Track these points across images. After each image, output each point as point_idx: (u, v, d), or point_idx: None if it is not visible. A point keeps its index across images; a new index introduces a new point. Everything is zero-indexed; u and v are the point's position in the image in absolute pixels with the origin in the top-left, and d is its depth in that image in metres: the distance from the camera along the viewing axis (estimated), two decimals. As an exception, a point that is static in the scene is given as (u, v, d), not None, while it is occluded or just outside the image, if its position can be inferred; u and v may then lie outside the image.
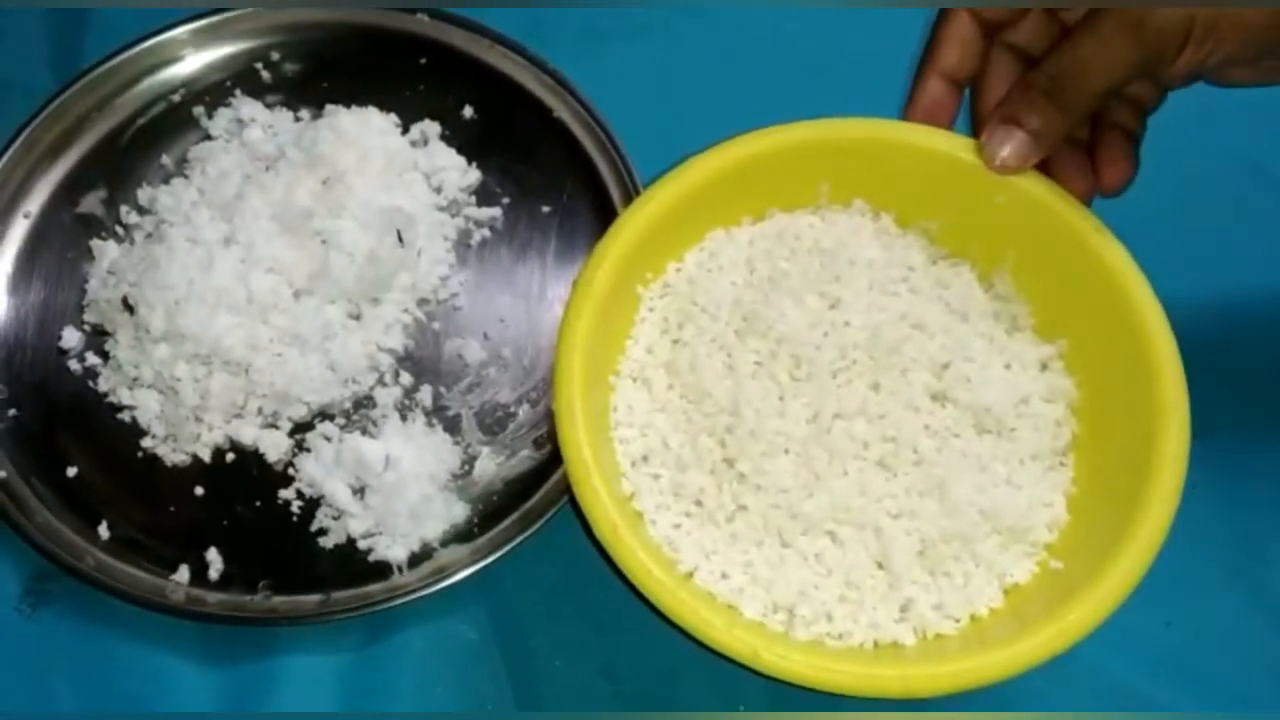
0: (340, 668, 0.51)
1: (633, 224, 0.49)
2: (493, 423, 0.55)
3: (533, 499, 0.53)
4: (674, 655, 0.51)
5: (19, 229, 0.58)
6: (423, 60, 0.62)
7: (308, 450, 0.53)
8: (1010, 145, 0.47)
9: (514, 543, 0.51)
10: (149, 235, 0.57)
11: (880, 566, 0.47)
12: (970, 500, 0.47)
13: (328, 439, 0.54)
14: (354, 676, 0.51)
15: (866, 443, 0.48)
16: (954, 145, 0.50)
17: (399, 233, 0.55)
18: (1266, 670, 0.51)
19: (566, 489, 0.51)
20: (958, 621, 0.46)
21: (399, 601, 0.50)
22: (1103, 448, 0.48)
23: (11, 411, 0.55)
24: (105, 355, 0.55)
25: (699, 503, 0.48)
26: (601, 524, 0.45)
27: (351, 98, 0.60)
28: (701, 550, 0.47)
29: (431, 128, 0.60)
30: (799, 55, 0.64)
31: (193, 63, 0.62)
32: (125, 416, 0.54)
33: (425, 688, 0.51)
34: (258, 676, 0.51)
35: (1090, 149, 0.49)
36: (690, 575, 0.47)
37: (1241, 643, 0.52)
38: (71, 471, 0.53)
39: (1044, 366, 0.51)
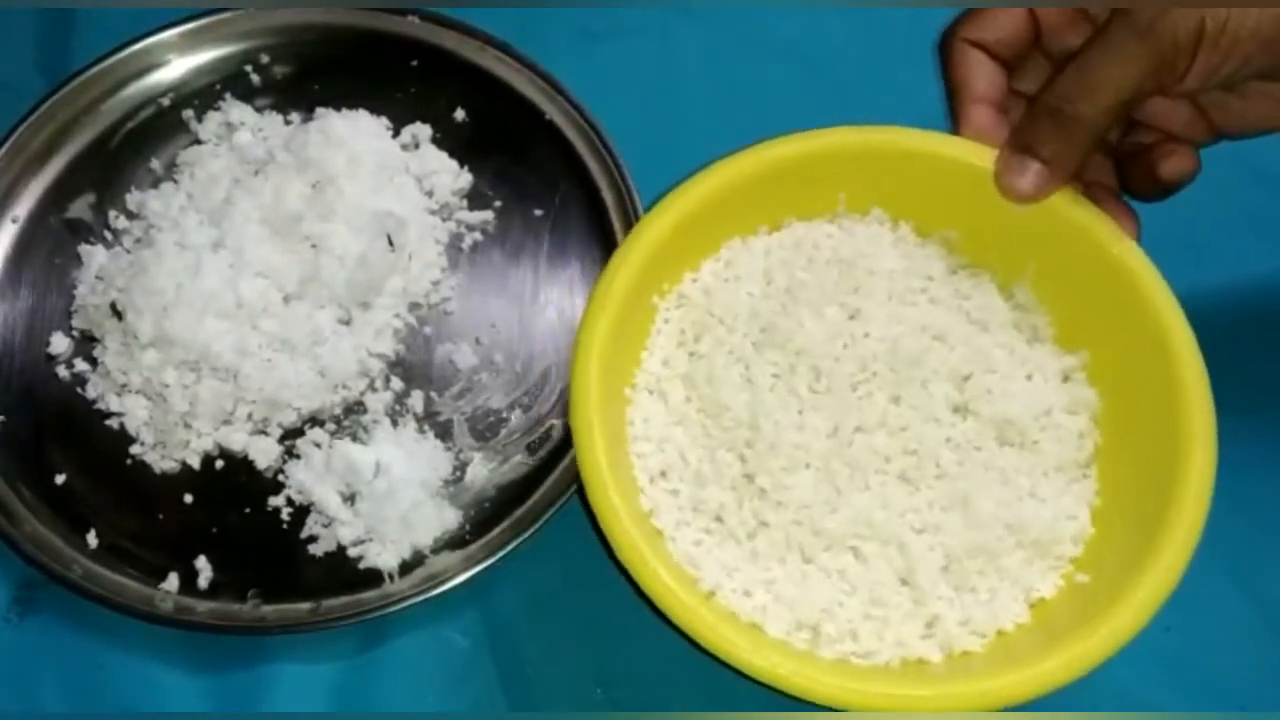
0: (331, 676, 0.51)
1: (650, 233, 0.49)
2: (485, 428, 0.54)
3: (525, 505, 0.52)
4: (669, 661, 0.50)
5: (6, 234, 0.57)
6: (414, 62, 0.62)
7: (298, 457, 0.53)
8: (1027, 176, 0.45)
9: (507, 549, 0.50)
10: (138, 240, 0.57)
11: (904, 583, 0.47)
12: (994, 514, 0.47)
13: (318, 445, 0.53)
14: (345, 685, 0.51)
15: (888, 456, 0.48)
16: (975, 154, 0.49)
17: (389, 237, 0.55)
18: (1267, 674, 0.51)
19: (560, 496, 0.51)
20: (984, 638, 0.46)
21: (391, 609, 0.49)
22: (1126, 460, 0.48)
23: (1, 419, 0.54)
24: (94, 361, 0.55)
25: (719, 519, 0.48)
26: (622, 544, 0.44)
27: (342, 101, 0.60)
28: (723, 568, 0.47)
29: (423, 130, 0.60)
30: (794, 57, 0.64)
31: (181, 66, 0.61)
32: (114, 423, 0.54)
33: (417, 696, 0.50)
34: (247, 685, 0.50)
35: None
36: (712, 594, 0.46)
37: (1242, 647, 0.51)
38: (60, 479, 0.53)
39: (1066, 377, 0.50)
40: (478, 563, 0.50)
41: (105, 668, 0.51)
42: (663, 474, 0.49)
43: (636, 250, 0.48)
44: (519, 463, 0.53)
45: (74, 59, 0.62)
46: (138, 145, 0.60)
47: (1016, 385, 0.49)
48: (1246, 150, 0.51)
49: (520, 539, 0.50)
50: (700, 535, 0.47)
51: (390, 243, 0.55)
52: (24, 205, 0.58)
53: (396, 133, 0.60)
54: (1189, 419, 0.45)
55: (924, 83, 0.59)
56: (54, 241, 0.58)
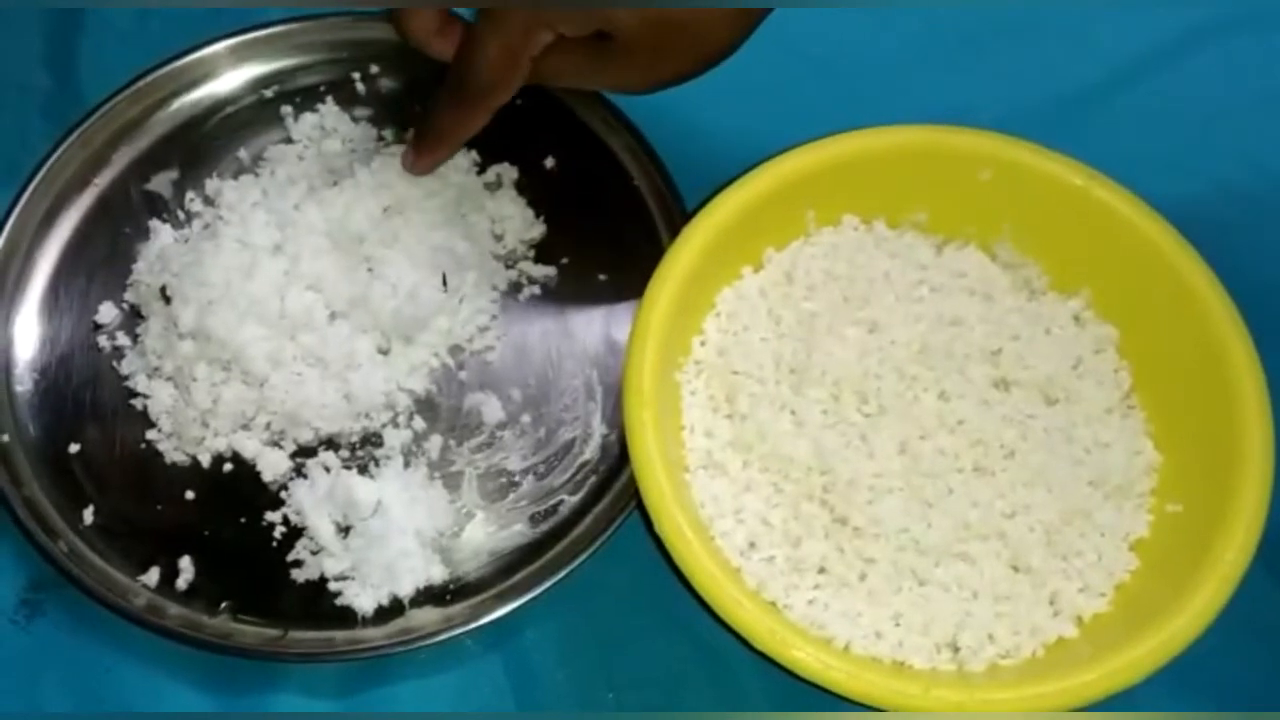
0: (339, 675, 0.51)
1: (657, 311, 0.48)
2: (494, 489, 0.53)
3: (512, 578, 0.50)
4: (675, 666, 0.50)
5: (88, 197, 0.57)
6: (518, 101, 0.60)
7: (304, 476, 0.52)
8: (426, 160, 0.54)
9: (488, 618, 0.49)
10: (206, 226, 0.57)
11: (1017, 569, 0.47)
12: (1072, 474, 0.48)
13: (326, 469, 0.52)
14: (353, 684, 0.50)
15: (957, 453, 0.48)
16: (927, 136, 0.51)
17: (444, 276, 0.54)
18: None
19: (551, 576, 0.49)
20: (1105, 595, 0.47)
21: (358, 655, 0.48)
22: (1163, 379, 0.50)
23: (34, 376, 0.54)
24: (135, 338, 0.55)
25: (823, 570, 0.47)
26: (764, 637, 0.43)
27: (437, 126, 0.59)
28: (846, 618, 0.46)
29: (509, 172, 0.59)
30: (803, 57, 0.63)
31: (291, 61, 0.61)
32: (138, 404, 0.53)
33: (425, 700, 0.50)
34: (254, 686, 0.50)
35: None
36: (848, 647, 0.45)
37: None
38: (73, 448, 0.53)
39: (1078, 319, 0.52)
40: (456, 625, 0.49)
41: (111, 670, 0.51)
42: (752, 545, 0.48)
43: (651, 333, 0.48)
44: (518, 532, 0.52)
45: (80, 58, 0.62)
46: (231, 131, 0.60)
47: (1041, 343, 0.51)
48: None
49: (502, 611, 0.49)
50: (812, 594, 0.47)
51: (444, 283, 0.54)
52: (110, 172, 0.58)
53: (482, 169, 0.59)
54: (1216, 323, 0.47)
55: (935, 83, 0.60)
56: (128, 212, 0.57)
